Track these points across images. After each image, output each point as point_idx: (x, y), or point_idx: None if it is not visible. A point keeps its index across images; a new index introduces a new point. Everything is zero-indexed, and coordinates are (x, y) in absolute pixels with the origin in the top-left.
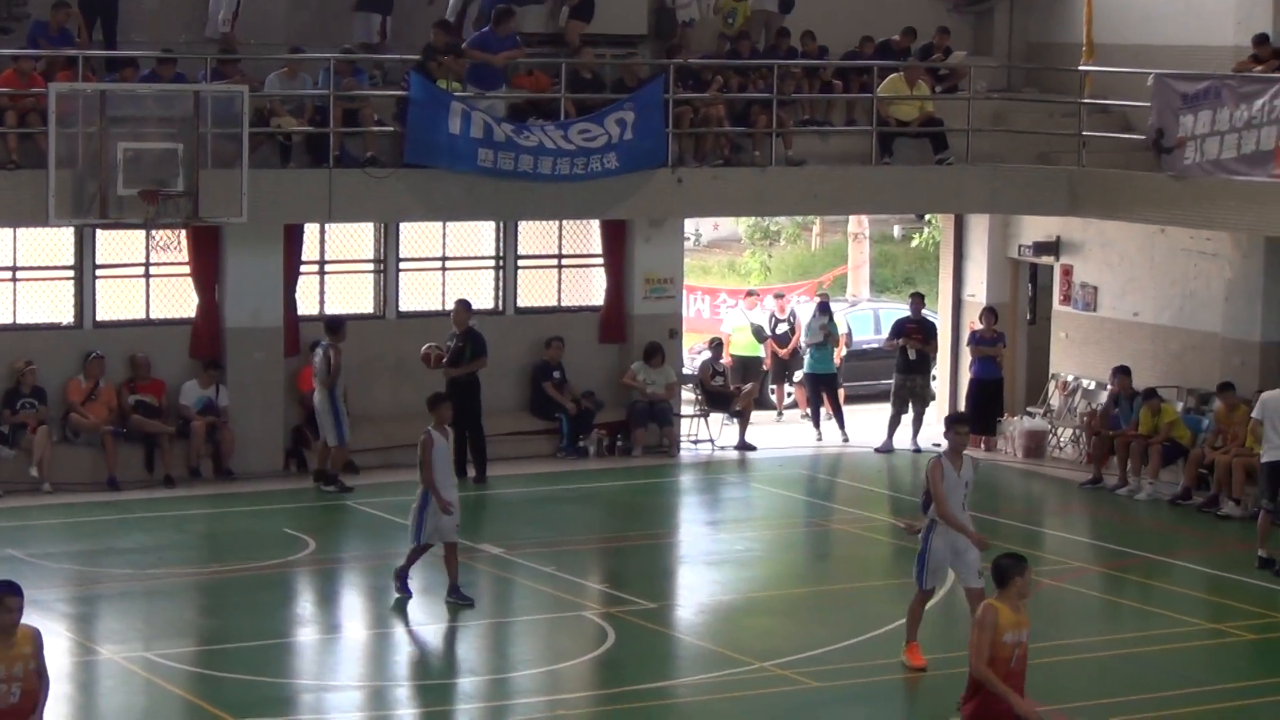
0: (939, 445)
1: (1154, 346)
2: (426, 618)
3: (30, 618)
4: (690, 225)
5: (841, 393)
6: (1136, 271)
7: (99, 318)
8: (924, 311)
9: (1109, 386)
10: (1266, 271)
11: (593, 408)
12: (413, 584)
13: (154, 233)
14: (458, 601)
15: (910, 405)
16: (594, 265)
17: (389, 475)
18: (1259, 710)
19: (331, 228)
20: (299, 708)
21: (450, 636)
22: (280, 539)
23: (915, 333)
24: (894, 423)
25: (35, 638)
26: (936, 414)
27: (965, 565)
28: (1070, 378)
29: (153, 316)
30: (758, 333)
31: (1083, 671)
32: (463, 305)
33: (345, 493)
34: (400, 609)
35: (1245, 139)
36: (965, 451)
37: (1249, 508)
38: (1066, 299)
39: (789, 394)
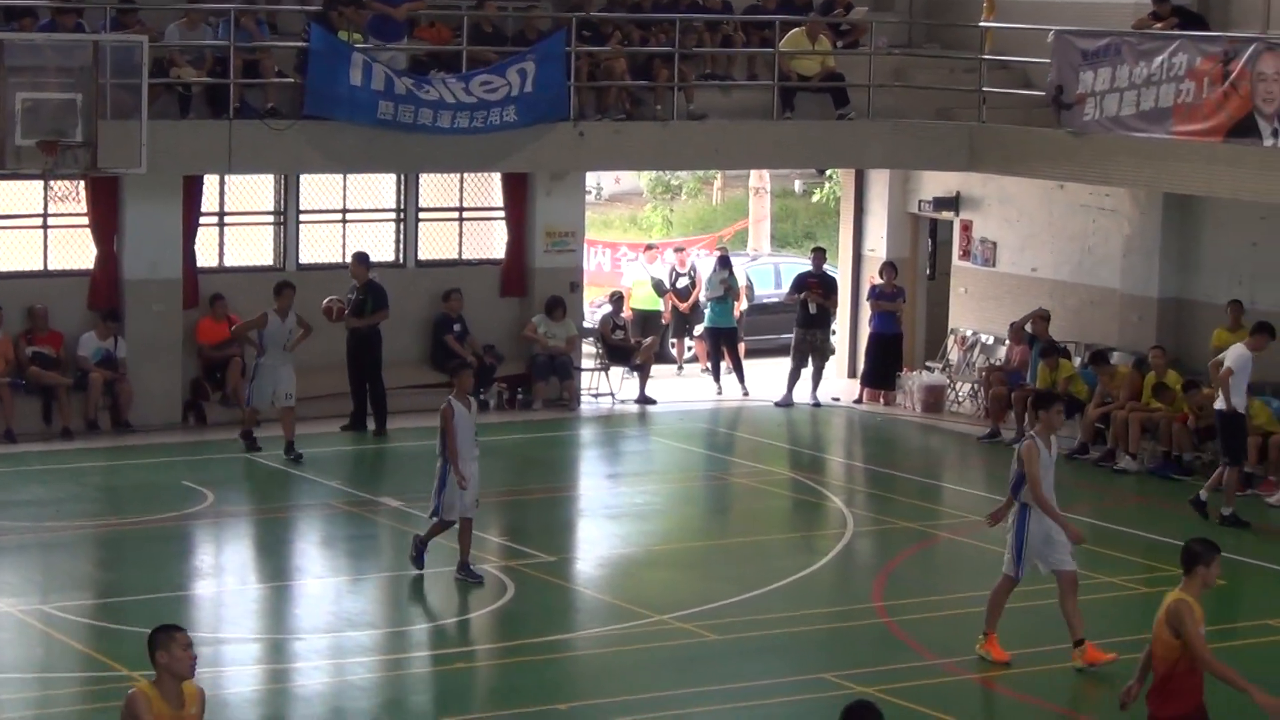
0: (837, 399)
1: (1053, 302)
2: (326, 571)
3: None
4: (591, 179)
5: (742, 347)
6: (1035, 227)
7: None
8: (825, 266)
9: (1020, 331)
10: (1164, 228)
11: (493, 361)
12: (313, 538)
13: (52, 183)
14: (466, 579)
15: (810, 359)
16: (495, 218)
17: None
18: None
19: (231, 179)
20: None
21: (349, 589)
22: (178, 491)
23: (816, 287)
24: (794, 377)
25: (201, 701)
26: (836, 368)
27: (1057, 548)
28: (969, 333)
29: (51, 268)
30: (658, 287)
31: (976, 625)
32: (360, 258)
33: (255, 451)
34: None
35: (1144, 96)
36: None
37: (1145, 463)
38: (966, 254)
39: (689, 348)
